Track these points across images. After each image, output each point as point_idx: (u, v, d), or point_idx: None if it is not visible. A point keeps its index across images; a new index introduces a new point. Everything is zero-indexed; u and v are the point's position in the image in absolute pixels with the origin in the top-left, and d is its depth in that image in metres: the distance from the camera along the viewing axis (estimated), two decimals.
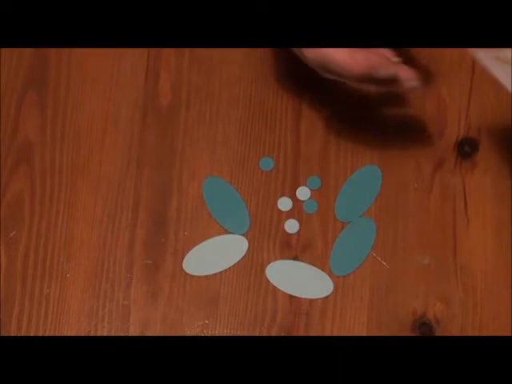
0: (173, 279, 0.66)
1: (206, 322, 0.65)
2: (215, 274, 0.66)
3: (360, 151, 0.68)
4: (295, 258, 0.66)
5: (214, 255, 0.66)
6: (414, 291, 0.66)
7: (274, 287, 0.66)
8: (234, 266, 0.66)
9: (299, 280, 0.66)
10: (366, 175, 0.68)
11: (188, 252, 0.67)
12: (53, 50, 0.70)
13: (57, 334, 0.65)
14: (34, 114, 0.69)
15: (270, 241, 0.67)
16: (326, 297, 0.66)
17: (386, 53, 0.62)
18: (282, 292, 0.66)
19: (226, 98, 0.69)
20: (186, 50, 0.70)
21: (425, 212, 0.67)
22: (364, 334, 0.65)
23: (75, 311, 0.66)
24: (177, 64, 0.70)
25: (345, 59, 0.60)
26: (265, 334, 0.65)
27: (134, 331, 0.65)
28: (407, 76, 0.61)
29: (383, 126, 0.68)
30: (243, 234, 0.67)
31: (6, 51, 0.70)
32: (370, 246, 0.66)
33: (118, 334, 0.65)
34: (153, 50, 0.70)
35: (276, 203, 0.67)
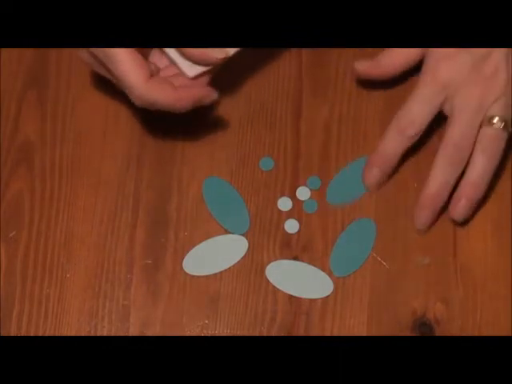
0: (173, 279, 0.66)
1: (206, 322, 0.65)
2: (215, 274, 0.66)
3: (360, 151, 0.68)
4: (295, 258, 0.66)
5: (214, 255, 0.66)
6: (414, 291, 0.66)
7: (274, 287, 0.66)
8: (234, 265, 0.66)
9: (299, 280, 0.66)
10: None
11: (188, 252, 0.67)
12: (53, 50, 0.70)
13: (57, 334, 0.65)
14: (34, 114, 0.69)
15: (270, 241, 0.67)
16: (326, 297, 0.66)
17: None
18: (282, 292, 0.66)
19: (226, 97, 0.69)
20: None
21: None
22: (364, 334, 0.65)
23: (75, 311, 0.66)
24: None
25: (169, 102, 0.62)
26: (265, 334, 0.65)
27: (133, 331, 0.65)
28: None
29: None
30: (243, 234, 0.67)
31: (5, 51, 0.70)
32: (370, 247, 0.66)
33: (117, 334, 0.65)
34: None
35: (276, 203, 0.67)
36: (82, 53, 0.64)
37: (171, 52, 0.64)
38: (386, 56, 0.67)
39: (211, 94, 0.64)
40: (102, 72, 0.65)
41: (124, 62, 0.61)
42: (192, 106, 0.63)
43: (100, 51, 0.62)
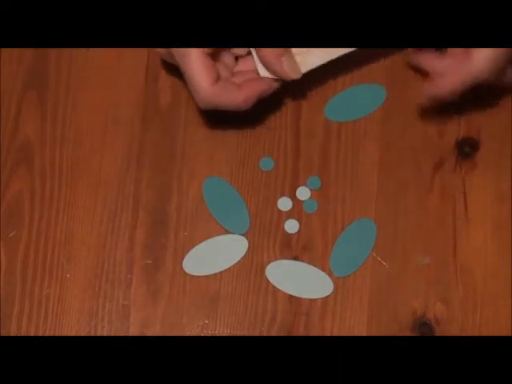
0: (173, 279, 0.66)
1: (206, 322, 0.65)
2: (215, 274, 0.66)
3: (360, 151, 0.68)
4: (295, 258, 0.66)
5: (214, 255, 0.66)
6: (414, 291, 0.66)
7: (274, 287, 0.66)
8: (234, 265, 0.66)
9: (299, 280, 0.66)
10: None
11: (188, 252, 0.67)
12: (53, 50, 0.70)
13: (57, 334, 0.65)
14: (34, 114, 0.69)
15: (270, 241, 0.67)
16: (326, 297, 0.66)
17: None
18: (282, 292, 0.66)
19: None
20: None
21: (425, 212, 0.67)
22: (364, 334, 0.65)
23: (75, 311, 0.66)
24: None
25: (234, 105, 0.64)
26: (265, 334, 0.65)
27: (134, 331, 0.65)
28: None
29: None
30: (243, 234, 0.67)
31: (5, 51, 0.70)
32: (370, 247, 0.66)
33: (117, 334, 0.65)
34: (153, 50, 0.70)
35: (276, 203, 0.67)
36: (159, 53, 0.66)
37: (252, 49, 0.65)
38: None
39: (272, 85, 0.65)
40: (176, 64, 0.65)
41: (193, 63, 0.62)
42: (256, 101, 0.64)
43: (174, 49, 0.62)
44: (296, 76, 0.65)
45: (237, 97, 0.63)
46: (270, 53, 0.63)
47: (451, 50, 0.64)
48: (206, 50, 0.62)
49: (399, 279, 0.66)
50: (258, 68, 0.65)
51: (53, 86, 0.70)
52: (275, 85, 0.65)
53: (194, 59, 0.62)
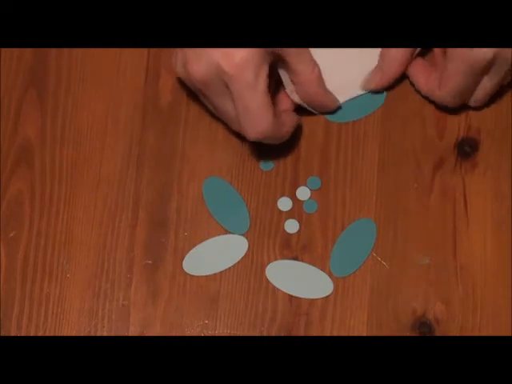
0: (173, 279, 0.66)
1: (206, 321, 0.65)
2: (215, 274, 0.66)
3: (360, 150, 0.68)
4: (295, 258, 0.66)
5: (214, 255, 0.66)
6: (414, 291, 0.66)
7: (274, 287, 0.66)
8: (234, 265, 0.66)
9: (299, 280, 0.66)
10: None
11: (188, 252, 0.67)
12: (53, 50, 0.70)
13: (57, 334, 0.65)
14: (34, 114, 0.69)
15: (270, 241, 0.67)
16: (326, 297, 0.66)
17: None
18: (282, 292, 0.66)
19: None
20: None
21: (425, 212, 0.67)
22: (364, 334, 0.65)
23: (75, 311, 0.66)
24: None
25: (282, 137, 0.65)
26: (265, 334, 0.65)
27: (134, 331, 0.65)
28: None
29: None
30: (243, 234, 0.67)
31: (5, 51, 0.70)
32: (370, 247, 0.66)
33: (117, 334, 0.65)
34: (153, 50, 0.70)
35: (276, 203, 0.67)
36: (195, 72, 0.62)
37: (282, 75, 0.65)
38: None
39: (299, 121, 0.67)
40: (211, 98, 0.64)
41: (261, 97, 0.61)
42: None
43: (236, 81, 0.60)
44: (334, 108, 0.68)
45: (282, 130, 0.64)
46: (319, 87, 0.65)
47: (434, 78, 0.66)
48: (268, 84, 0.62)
49: (399, 279, 0.66)
50: (291, 95, 0.66)
51: (53, 85, 0.70)
52: (300, 120, 0.67)
53: (261, 94, 0.61)
